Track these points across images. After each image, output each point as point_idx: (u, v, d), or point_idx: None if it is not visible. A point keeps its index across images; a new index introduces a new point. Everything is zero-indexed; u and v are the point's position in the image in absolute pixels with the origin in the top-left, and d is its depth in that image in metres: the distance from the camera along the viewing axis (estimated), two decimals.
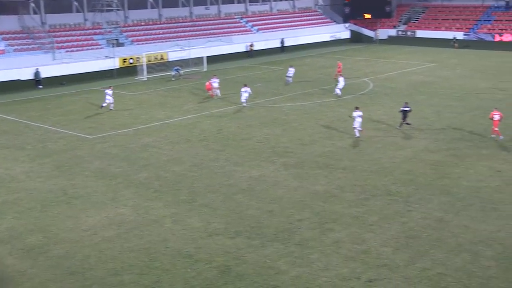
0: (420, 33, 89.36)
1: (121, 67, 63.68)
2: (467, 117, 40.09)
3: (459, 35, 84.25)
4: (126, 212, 24.93)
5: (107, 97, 45.44)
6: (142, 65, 62.28)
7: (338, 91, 48.68)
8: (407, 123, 37.24)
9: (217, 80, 49.95)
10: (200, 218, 24.01)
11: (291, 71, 55.70)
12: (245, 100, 45.35)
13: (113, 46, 64.59)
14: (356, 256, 20.36)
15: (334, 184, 27.53)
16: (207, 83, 49.98)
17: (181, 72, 60.85)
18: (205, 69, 65.57)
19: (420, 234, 21.92)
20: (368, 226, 22.71)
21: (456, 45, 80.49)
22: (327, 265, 19.81)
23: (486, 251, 20.42)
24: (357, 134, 35.51)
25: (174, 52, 67.54)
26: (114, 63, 63.22)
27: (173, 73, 60.32)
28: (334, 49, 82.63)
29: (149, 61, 64.57)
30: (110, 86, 47.41)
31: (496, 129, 34.13)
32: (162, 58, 66.52)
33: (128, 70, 63.76)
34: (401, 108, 37.61)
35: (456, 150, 32.42)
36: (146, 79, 60.55)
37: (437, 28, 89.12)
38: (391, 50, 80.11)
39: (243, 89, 45.75)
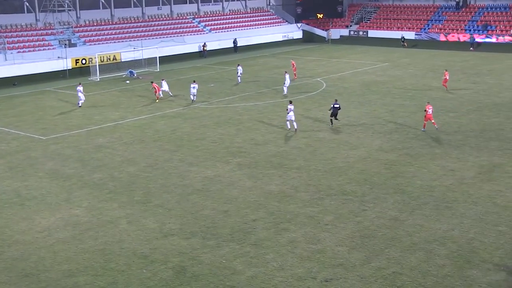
0: (372, 33, 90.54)
1: (73, 68, 62.75)
2: (420, 116, 40.69)
3: (411, 35, 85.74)
4: (80, 213, 24.54)
5: (79, 94, 46.00)
6: (95, 65, 61.49)
7: (285, 89, 49.26)
8: (336, 119, 38.06)
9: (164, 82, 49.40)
10: (155, 219, 23.79)
11: (240, 70, 55.94)
12: (193, 96, 46.33)
13: (65, 47, 63.67)
14: (312, 255, 20.46)
15: (289, 184, 27.62)
16: (154, 85, 48.20)
17: (135, 74, 60.33)
18: (158, 70, 65.11)
19: (375, 233, 22.16)
20: (323, 226, 22.85)
21: (405, 44, 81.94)
22: (282, 265, 19.85)
23: (441, 249, 20.75)
24: (289, 126, 37.09)
25: (127, 52, 66.92)
26: (66, 64, 62.28)
27: (128, 75, 59.73)
28: (287, 49, 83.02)
29: (102, 61, 63.79)
30: (80, 83, 47.53)
31: (433, 120, 36.36)
32: (115, 59, 65.76)
33: (81, 71, 62.85)
34: (332, 105, 38.06)
35: (409, 149, 32.90)
36: (99, 79, 59.77)
37: (388, 28, 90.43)
38: (344, 50, 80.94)
39: (191, 85, 46.50)
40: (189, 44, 75.89)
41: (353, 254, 20.48)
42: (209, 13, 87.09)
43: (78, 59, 63.31)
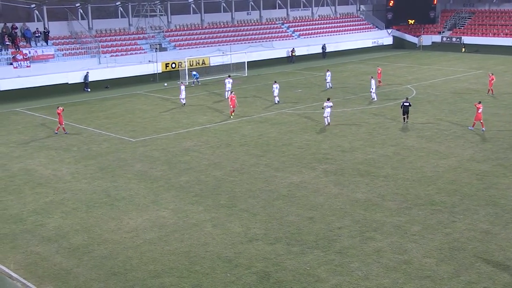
0: (467, 39, 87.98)
1: (163, 71, 64.30)
2: None
3: (508, 41, 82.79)
4: (167, 215, 25.12)
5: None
6: (184, 69, 62.80)
7: (373, 95, 48.97)
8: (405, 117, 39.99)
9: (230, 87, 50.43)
10: (240, 223, 24.04)
11: (329, 75, 55.94)
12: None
13: (156, 51, 65.27)
14: (398, 266, 20.10)
15: (375, 192, 27.27)
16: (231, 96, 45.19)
17: (198, 78, 61.14)
18: (245, 74, 65.79)
19: (465, 246, 21.51)
20: (411, 236, 22.40)
21: (464, 49, 79.75)
22: (367, 274, 19.60)
23: None
24: (326, 123, 40.32)
25: (216, 57, 67.97)
26: (156, 68, 63.88)
27: (193, 79, 60.83)
28: (376, 55, 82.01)
29: (191, 65, 65.08)
30: (182, 82, 49.46)
31: (481, 121, 38.16)
32: (204, 63, 66.96)
33: (170, 74, 64.32)
34: (402, 103, 40.10)
35: (503, 160, 31.80)
36: (188, 83, 61.00)
37: (484, 34, 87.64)
38: (435, 56, 79.12)
39: (273, 86, 48.97)
40: (277, 50, 76.33)
41: (441, 267, 19.96)
42: (298, 18, 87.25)
43: (168, 63, 64.87)
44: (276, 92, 48.79)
